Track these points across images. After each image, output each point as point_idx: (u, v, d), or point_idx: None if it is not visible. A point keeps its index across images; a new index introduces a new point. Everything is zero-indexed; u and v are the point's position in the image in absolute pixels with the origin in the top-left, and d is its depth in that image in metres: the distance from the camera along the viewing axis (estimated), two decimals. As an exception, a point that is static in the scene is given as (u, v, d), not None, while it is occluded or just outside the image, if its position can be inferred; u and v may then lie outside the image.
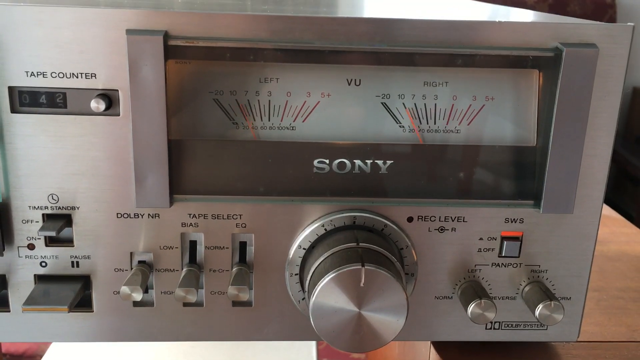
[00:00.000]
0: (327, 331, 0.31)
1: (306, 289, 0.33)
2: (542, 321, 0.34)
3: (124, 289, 0.32)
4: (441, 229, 0.35)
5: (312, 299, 0.31)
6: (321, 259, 0.32)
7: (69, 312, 0.33)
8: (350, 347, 0.31)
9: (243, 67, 0.34)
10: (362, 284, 0.30)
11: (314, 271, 0.32)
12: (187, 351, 0.66)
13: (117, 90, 0.31)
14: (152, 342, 0.36)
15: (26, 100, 0.31)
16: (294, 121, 0.35)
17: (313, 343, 0.69)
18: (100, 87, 0.31)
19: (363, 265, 0.30)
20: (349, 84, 0.35)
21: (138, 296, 0.32)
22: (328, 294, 0.31)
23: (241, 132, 0.34)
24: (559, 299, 0.36)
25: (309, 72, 0.34)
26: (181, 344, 0.67)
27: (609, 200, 0.64)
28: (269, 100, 0.34)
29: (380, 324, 0.31)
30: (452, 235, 0.35)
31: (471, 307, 0.34)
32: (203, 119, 0.34)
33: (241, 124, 0.34)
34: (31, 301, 0.32)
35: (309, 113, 0.35)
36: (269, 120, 0.35)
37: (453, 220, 0.35)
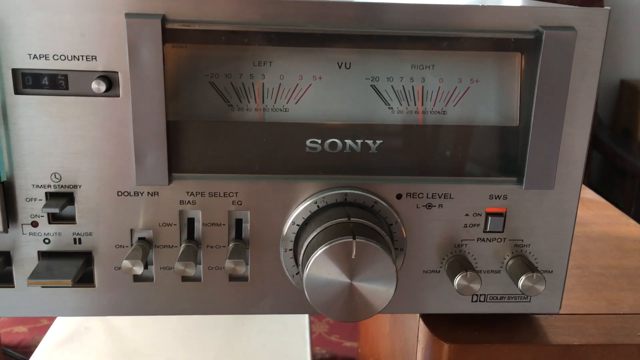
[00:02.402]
0: (320, 302, 0.33)
1: (300, 263, 0.35)
2: (525, 292, 0.36)
3: (126, 263, 0.33)
4: (429, 206, 0.37)
5: (306, 271, 0.32)
6: (314, 233, 0.34)
7: (72, 287, 0.34)
8: (343, 317, 0.33)
9: (237, 51, 0.35)
10: (353, 256, 0.32)
11: (307, 245, 0.34)
12: (183, 335, 0.67)
13: (117, 72, 0.33)
14: (151, 316, 0.38)
15: (29, 82, 0.33)
16: (287, 103, 0.36)
17: (306, 329, 0.70)
18: (100, 69, 0.33)
19: (354, 238, 0.32)
20: (340, 67, 0.36)
21: (139, 270, 0.33)
22: (321, 266, 0.32)
23: (236, 114, 0.36)
24: (542, 272, 0.38)
25: (301, 55, 0.36)
26: (177, 328, 0.68)
27: (597, 192, 0.66)
28: (263, 83, 0.36)
29: (371, 293, 0.33)
30: (439, 211, 0.37)
31: (457, 279, 0.35)
32: (199, 101, 0.35)
33: (236, 105, 0.36)
34: (36, 275, 0.33)
35: (302, 95, 0.36)
36: (263, 102, 0.36)
37: (440, 197, 0.36)
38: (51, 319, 1.53)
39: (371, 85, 0.36)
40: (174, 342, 0.66)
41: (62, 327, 0.68)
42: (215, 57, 0.35)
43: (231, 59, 0.35)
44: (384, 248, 0.32)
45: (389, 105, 0.37)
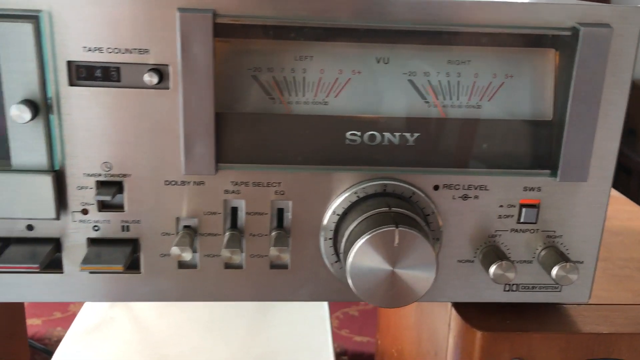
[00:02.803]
0: (363, 289, 0.34)
1: (341, 251, 0.36)
2: (558, 281, 0.37)
3: (175, 250, 0.35)
4: (465, 197, 0.38)
5: (349, 260, 0.33)
6: (356, 222, 0.35)
7: (119, 273, 0.35)
8: (386, 303, 0.34)
9: (280, 46, 0.36)
10: (396, 244, 0.33)
11: (349, 234, 0.35)
12: (206, 324, 0.69)
13: (168, 65, 0.34)
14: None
15: (83, 74, 0.34)
16: (326, 96, 0.37)
17: (327, 320, 0.71)
18: (151, 62, 0.34)
19: (397, 227, 0.33)
20: (378, 62, 0.37)
21: (188, 256, 0.35)
22: (364, 255, 0.33)
23: (278, 107, 0.37)
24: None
25: (341, 50, 0.37)
26: (200, 318, 0.70)
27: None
28: (304, 77, 0.37)
29: (413, 280, 0.34)
30: (474, 202, 0.38)
31: (493, 268, 0.37)
32: (242, 93, 0.36)
33: (277, 98, 0.37)
34: (88, 261, 0.35)
35: (341, 89, 0.37)
36: (304, 96, 0.37)
37: (476, 189, 0.38)
38: (65, 312, 1.54)
39: (408, 80, 0.37)
40: (198, 331, 0.68)
41: (88, 317, 0.69)
42: (258, 51, 0.36)
43: (273, 54, 0.36)
44: (424, 236, 0.33)
45: (426, 99, 0.38)
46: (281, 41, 0.36)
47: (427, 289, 0.34)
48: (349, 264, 0.33)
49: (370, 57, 0.37)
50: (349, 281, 0.34)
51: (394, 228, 0.33)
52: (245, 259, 0.38)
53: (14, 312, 0.67)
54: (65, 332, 1.17)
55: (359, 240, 0.33)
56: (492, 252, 0.38)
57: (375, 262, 0.34)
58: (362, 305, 1.54)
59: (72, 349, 0.63)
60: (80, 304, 1.31)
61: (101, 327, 0.67)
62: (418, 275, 0.34)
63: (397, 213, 0.35)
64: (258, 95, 0.37)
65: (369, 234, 0.33)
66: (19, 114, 0.32)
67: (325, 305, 0.74)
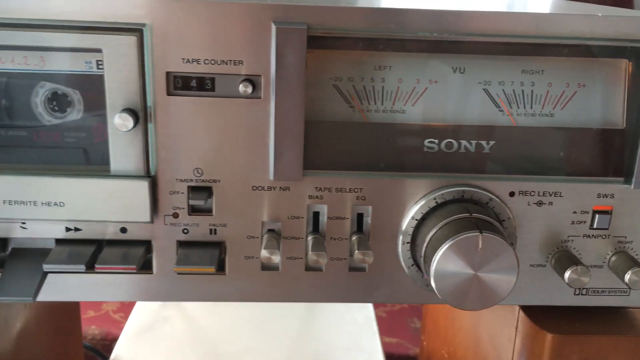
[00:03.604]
0: (446, 292, 0.35)
1: (421, 255, 0.37)
2: (631, 286, 0.38)
3: (264, 252, 0.36)
4: (539, 203, 0.39)
5: (434, 264, 0.35)
6: (437, 227, 0.36)
7: (206, 274, 0.37)
8: (468, 306, 0.35)
9: (360, 56, 0.38)
10: (479, 249, 0.34)
11: (430, 239, 0.36)
12: (257, 324, 0.70)
13: (260, 76, 0.35)
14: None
15: (179, 84, 0.35)
16: (404, 105, 0.39)
17: (373, 320, 0.73)
18: (244, 73, 0.35)
19: (481, 232, 0.34)
20: (454, 72, 0.39)
21: (277, 258, 0.36)
22: (448, 259, 0.35)
23: (357, 115, 0.38)
24: (643, 267, 0.40)
25: (418, 61, 0.38)
26: (251, 317, 0.71)
27: None
28: (383, 86, 0.38)
29: (495, 283, 0.35)
30: (548, 208, 0.39)
31: (568, 273, 0.38)
32: (324, 102, 0.38)
33: (356, 107, 0.38)
34: (181, 262, 0.36)
35: (418, 98, 0.39)
36: (382, 104, 0.38)
37: (550, 195, 0.39)
38: (98, 310, 1.56)
39: (483, 89, 0.39)
40: (250, 331, 0.69)
41: (141, 316, 0.71)
42: (339, 61, 0.37)
43: (354, 64, 0.38)
44: (507, 241, 0.35)
45: (500, 107, 0.39)
46: (362, 52, 0.37)
47: (509, 291, 0.35)
48: (433, 267, 0.35)
49: (446, 67, 0.38)
50: (433, 284, 0.35)
51: (478, 233, 0.34)
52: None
53: (71, 311, 0.69)
54: (99, 330, 1.19)
55: (443, 245, 0.35)
56: (564, 257, 0.39)
57: (458, 266, 0.35)
58: (389, 306, 1.55)
59: (129, 348, 0.65)
60: (116, 304, 1.33)
61: (155, 326, 0.69)
62: (500, 279, 0.35)
63: (478, 218, 0.36)
64: (339, 104, 0.38)
65: (454, 239, 0.34)
66: (122, 122, 0.34)
67: (370, 305, 0.76)
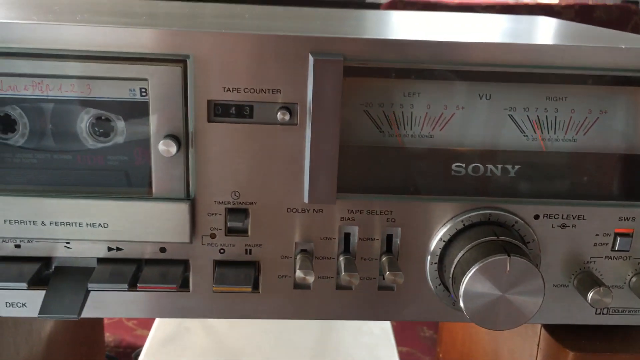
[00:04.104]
0: (474, 312, 0.37)
1: (449, 276, 0.38)
2: (652, 307, 0.39)
3: (299, 273, 0.37)
4: (563, 226, 0.40)
5: (463, 285, 0.36)
6: (465, 249, 0.38)
7: (251, 292, 0.38)
8: (495, 326, 0.37)
9: (390, 83, 0.39)
10: (507, 271, 0.36)
11: (458, 260, 0.38)
12: (277, 336, 0.72)
13: (297, 104, 0.37)
14: (307, 319, 0.42)
15: (219, 111, 0.37)
16: (432, 130, 0.40)
17: (391, 333, 0.74)
18: (281, 101, 0.37)
19: (509, 256, 0.36)
20: (481, 98, 0.40)
21: (311, 278, 0.37)
22: (476, 280, 0.36)
23: (387, 139, 0.40)
24: (662, 288, 0.41)
25: (446, 87, 0.40)
26: (271, 330, 0.73)
27: None
28: (411, 112, 0.40)
29: (521, 304, 0.36)
30: (572, 231, 0.40)
31: (591, 294, 0.39)
32: (356, 127, 0.39)
33: (387, 132, 0.40)
34: (219, 281, 0.38)
35: (446, 123, 0.40)
36: (411, 129, 0.40)
37: (574, 218, 0.40)
38: (110, 319, 1.57)
39: (508, 115, 0.40)
40: (269, 343, 0.71)
41: (163, 327, 0.73)
42: (370, 88, 0.39)
43: (384, 90, 0.39)
44: (534, 264, 0.36)
45: (525, 133, 0.40)
46: (392, 79, 0.39)
47: (535, 312, 0.36)
48: (462, 289, 0.36)
49: (473, 93, 0.40)
50: (461, 305, 0.36)
51: (506, 256, 0.36)
52: (355, 281, 0.41)
53: (94, 322, 0.70)
54: (113, 337, 1.20)
55: (472, 267, 0.36)
56: (587, 278, 0.40)
57: (486, 287, 0.36)
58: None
59: (154, 359, 0.67)
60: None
61: (177, 337, 0.71)
62: (527, 300, 0.36)
63: (505, 241, 0.37)
64: (369, 129, 0.40)
65: (482, 261, 0.36)
66: (166, 148, 0.36)
67: (386, 318, 0.77)
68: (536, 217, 0.40)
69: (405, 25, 0.55)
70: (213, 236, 0.39)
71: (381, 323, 0.75)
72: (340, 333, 0.73)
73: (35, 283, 0.38)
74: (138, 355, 0.87)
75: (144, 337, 1.21)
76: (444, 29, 0.51)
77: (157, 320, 0.74)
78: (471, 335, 0.63)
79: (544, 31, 0.55)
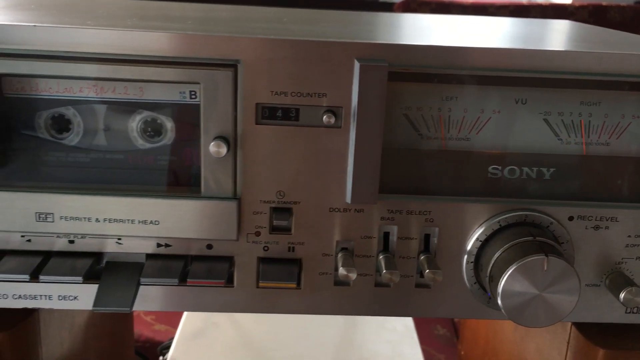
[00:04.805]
0: (511, 309, 0.38)
1: (486, 275, 0.40)
2: (683, 306, 0.40)
3: (342, 270, 0.39)
4: (596, 227, 0.41)
5: (501, 284, 0.37)
6: (502, 249, 0.39)
7: (295, 289, 0.40)
8: (531, 323, 0.38)
9: (429, 88, 0.40)
10: (544, 271, 0.37)
11: (495, 260, 0.39)
12: (302, 331, 0.73)
13: (341, 107, 0.38)
14: (346, 315, 0.43)
15: (266, 114, 0.38)
16: (469, 133, 0.41)
17: (413, 330, 0.75)
18: (326, 105, 0.38)
19: (547, 256, 0.37)
20: (517, 103, 0.41)
21: (353, 276, 0.39)
22: (514, 279, 0.37)
23: (425, 142, 0.41)
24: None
25: (483, 92, 0.41)
26: (296, 325, 0.74)
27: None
28: (449, 116, 0.41)
29: (558, 303, 0.38)
30: (605, 232, 0.41)
31: (623, 294, 0.40)
32: (395, 130, 0.41)
33: (425, 135, 0.41)
34: (265, 278, 0.39)
35: (482, 127, 0.41)
36: (448, 132, 0.41)
37: (607, 220, 0.41)
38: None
39: (544, 119, 0.41)
40: (295, 338, 0.72)
41: (191, 323, 0.74)
42: (409, 92, 0.40)
43: (423, 95, 0.40)
44: (570, 263, 0.37)
45: (559, 137, 0.42)
46: (432, 84, 0.40)
47: (571, 310, 0.38)
48: (501, 287, 0.37)
49: (509, 98, 0.41)
50: (499, 303, 0.38)
51: (544, 256, 0.37)
52: (394, 279, 0.42)
53: (125, 316, 0.72)
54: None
55: (510, 266, 0.37)
56: (618, 278, 0.42)
57: (524, 286, 0.37)
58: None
59: (184, 352, 0.68)
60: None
61: (205, 332, 0.72)
62: (563, 299, 0.38)
63: (541, 242, 0.39)
64: (408, 132, 0.41)
65: (521, 261, 0.37)
66: (217, 149, 0.37)
67: (409, 315, 0.78)
68: (570, 218, 0.41)
69: (438, 30, 0.56)
70: (258, 234, 0.41)
71: (404, 320, 0.77)
72: (363, 329, 0.74)
73: (88, 277, 0.40)
74: (164, 349, 0.88)
75: (162, 332, 1.22)
76: (477, 33, 0.53)
77: (185, 315, 0.76)
78: (495, 333, 0.64)
79: (575, 37, 0.56)
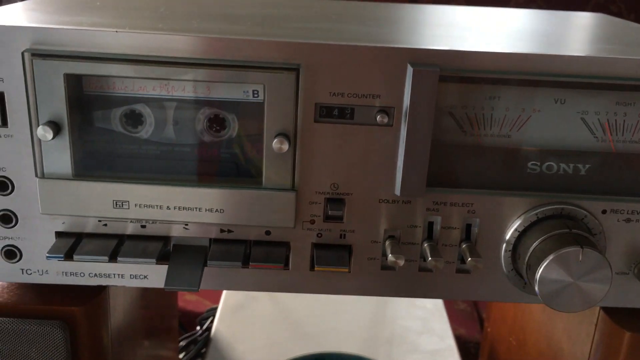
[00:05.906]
0: (547, 295, 0.41)
1: (524, 263, 0.43)
2: None
3: (391, 257, 0.42)
4: (628, 220, 0.44)
5: (539, 272, 0.41)
6: (539, 240, 0.42)
7: (348, 272, 0.44)
8: (564, 308, 0.41)
9: (474, 88, 0.43)
10: (580, 261, 0.40)
11: (533, 249, 0.42)
12: (336, 306, 0.77)
13: (393, 107, 0.41)
14: (392, 297, 0.47)
15: (324, 113, 0.42)
16: (510, 131, 0.44)
17: (443, 309, 0.79)
18: (379, 105, 0.41)
19: (582, 248, 0.40)
20: (556, 102, 0.44)
21: (401, 262, 0.42)
22: (551, 268, 0.41)
23: (469, 139, 0.44)
24: None
25: (525, 92, 0.43)
26: (330, 301, 0.78)
27: None
28: (492, 114, 0.44)
29: (590, 291, 0.41)
30: (635, 225, 0.44)
31: (651, 282, 0.43)
32: (441, 127, 0.44)
33: (469, 132, 0.44)
34: (320, 262, 0.43)
35: (522, 124, 0.44)
36: (490, 129, 0.44)
37: (638, 214, 0.44)
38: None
39: (581, 118, 0.44)
40: (331, 313, 0.76)
41: (233, 297, 0.79)
42: (455, 92, 0.43)
43: (468, 94, 0.43)
44: (604, 255, 0.40)
45: (595, 135, 0.44)
46: (477, 85, 0.43)
47: (602, 298, 0.41)
48: (538, 275, 0.41)
49: (549, 98, 0.44)
50: (537, 289, 0.41)
51: (579, 248, 0.40)
52: (436, 264, 0.46)
53: (169, 293, 0.77)
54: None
55: (548, 256, 0.41)
56: (647, 267, 0.45)
57: (560, 275, 0.41)
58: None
59: (228, 325, 0.73)
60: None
61: (246, 306, 0.77)
62: (595, 287, 0.41)
63: (576, 234, 0.42)
64: (452, 129, 0.44)
65: (558, 252, 0.40)
66: (280, 146, 0.40)
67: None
68: (604, 211, 0.44)
69: (480, 29, 0.58)
70: (312, 222, 0.44)
71: (434, 301, 0.80)
72: (394, 306, 0.78)
73: (159, 259, 0.44)
74: (202, 319, 0.93)
75: (193, 302, 1.28)
76: (517, 29, 0.55)
77: (225, 293, 0.81)
78: (523, 313, 0.68)
79: (610, 35, 0.58)
